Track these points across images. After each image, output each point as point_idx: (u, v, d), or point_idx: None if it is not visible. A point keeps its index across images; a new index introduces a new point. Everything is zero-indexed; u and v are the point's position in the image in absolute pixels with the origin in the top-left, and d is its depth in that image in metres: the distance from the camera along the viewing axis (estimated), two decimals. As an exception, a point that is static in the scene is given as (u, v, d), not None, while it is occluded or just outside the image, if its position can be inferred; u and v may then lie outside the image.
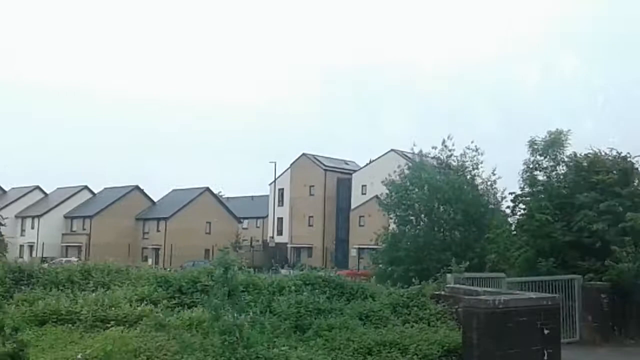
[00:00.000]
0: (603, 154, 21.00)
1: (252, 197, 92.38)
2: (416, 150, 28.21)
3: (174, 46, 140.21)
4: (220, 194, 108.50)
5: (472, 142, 27.61)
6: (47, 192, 77.66)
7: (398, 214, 27.40)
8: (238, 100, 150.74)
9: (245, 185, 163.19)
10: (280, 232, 74.57)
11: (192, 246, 64.00)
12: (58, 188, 76.96)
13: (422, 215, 26.45)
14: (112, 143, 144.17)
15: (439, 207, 26.26)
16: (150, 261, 68.02)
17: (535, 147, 22.15)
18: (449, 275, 14.50)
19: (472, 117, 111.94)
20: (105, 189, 76.11)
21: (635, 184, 19.99)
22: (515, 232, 22.15)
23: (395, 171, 29.00)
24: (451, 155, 28.41)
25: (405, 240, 26.07)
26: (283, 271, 59.47)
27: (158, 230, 69.90)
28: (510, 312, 8.67)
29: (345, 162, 74.77)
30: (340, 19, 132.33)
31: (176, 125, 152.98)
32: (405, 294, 13.14)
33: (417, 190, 26.56)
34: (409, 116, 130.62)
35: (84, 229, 69.59)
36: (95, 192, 76.66)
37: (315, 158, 72.13)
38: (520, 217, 21.70)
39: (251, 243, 75.47)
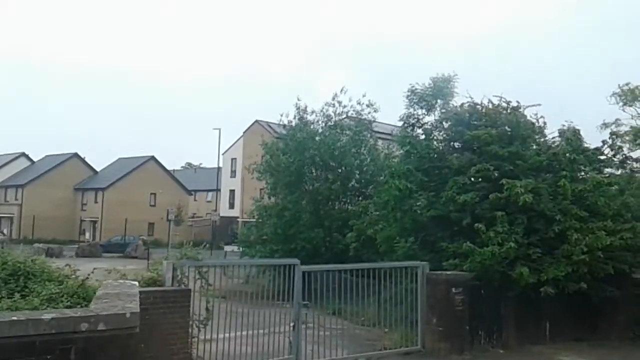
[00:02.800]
0: (489, 104, 16.16)
1: (220, 168, 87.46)
2: (302, 106, 23.12)
3: (125, 15, 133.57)
4: (200, 165, 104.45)
5: (363, 95, 22.65)
6: (-14, 159, 72.63)
7: (269, 181, 22.62)
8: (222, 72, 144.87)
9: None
10: (232, 206, 69.89)
11: (133, 220, 59.27)
12: (-3, 155, 72.10)
13: (293, 183, 21.60)
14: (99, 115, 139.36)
15: (313, 172, 21.46)
16: (88, 235, 63.61)
17: (415, 98, 17.24)
18: (165, 262, 9.74)
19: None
20: (47, 156, 70.95)
21: (522, 142, 15.14)
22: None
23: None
24: (348, 112, 23.45)
25: (273, 215, 21.34)
26: (228, 248, 55.10)
27: (96, 202, 65.03)
28: None
29: (304, 130, 69.42)
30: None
31: (148, 96, 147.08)
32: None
33: (289, 152, 21.66)
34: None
35: (16, 199, 64.77)
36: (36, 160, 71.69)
37: (269, 125, 66.80)
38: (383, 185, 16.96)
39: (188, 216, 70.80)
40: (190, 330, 9.67)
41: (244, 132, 69.13)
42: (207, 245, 12.11)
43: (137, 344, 5.20)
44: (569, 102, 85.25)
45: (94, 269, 8.86)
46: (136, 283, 7.73)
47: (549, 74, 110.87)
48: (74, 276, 9.89)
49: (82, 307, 7.89)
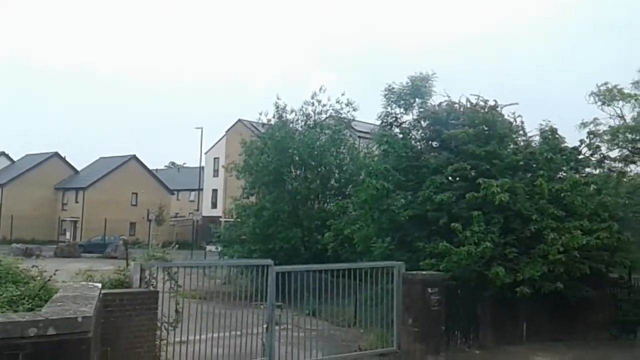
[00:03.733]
0: (467, 103, 16.09)
1: (203, 167, 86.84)
2: (282, 105, 22.94)
3: (109, 15, 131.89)
4: (184, 164, 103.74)
5: (342, 94, 22.51)
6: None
7: (248, 180, 22.44)
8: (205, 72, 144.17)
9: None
10: (214, 205, 69.45)
11: (114, 220, 58.66)
12: (-23, 155, 70.96)
13: (271, 182, 21.43)
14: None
15: (292, 172, 21.31)
16: (68, 235, 62.92)
17: (392, 96, 17.08)
18: (133, 263, 9.53)
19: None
20: (27, 155, 70.01)
21: (499, 141, 15.08)
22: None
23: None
24: (328, 111, 23.31)
25: (252, 214, 21.15)
26: (210, 247, 54.68)
27: (77, 202, 64.30)
28: None
29: (288, 130, 69.08)
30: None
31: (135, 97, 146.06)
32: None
33: (268, 151, 21.50)
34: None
35: (-5, 199, 63.96)
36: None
37: (252, 124, 66.44)
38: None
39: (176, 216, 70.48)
40: (159, 332, 9.46)
41: (226, 131, 68.75)
42: (177, 245, 11.78)
43: (89, 349, 5.00)
44: (554, 101, 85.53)
45: (56, 270, 8.62)
46: (99, 285, 7.52)
47: (535, 73, 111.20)
48: (39, 278, 9.65)
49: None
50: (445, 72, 17.60)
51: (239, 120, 67.37)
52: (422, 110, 16.87)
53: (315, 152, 21.36)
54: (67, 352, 4.79)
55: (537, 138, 16.72)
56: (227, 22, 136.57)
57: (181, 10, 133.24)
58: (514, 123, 16.05)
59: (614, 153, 21.24)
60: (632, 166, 21.81)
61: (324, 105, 23.00)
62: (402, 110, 17.15)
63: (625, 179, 19.10)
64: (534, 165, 15.43)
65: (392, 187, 15.17)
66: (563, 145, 16.50)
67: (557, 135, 16.28)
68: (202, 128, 65.15)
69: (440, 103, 16.64)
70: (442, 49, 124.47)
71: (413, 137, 16.80)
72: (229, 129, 68.45)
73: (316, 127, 22.32)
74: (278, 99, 23.05)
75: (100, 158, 71.40)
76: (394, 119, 17.13)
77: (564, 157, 16.05)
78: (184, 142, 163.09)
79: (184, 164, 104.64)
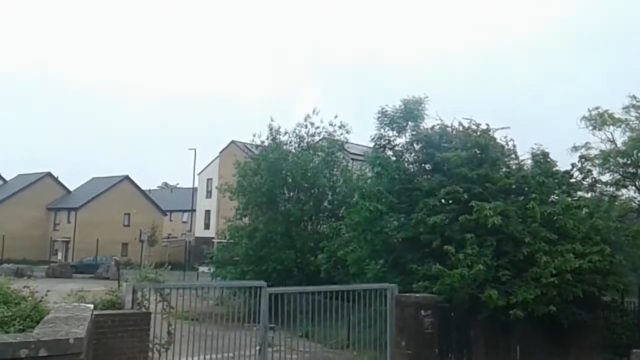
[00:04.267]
0: (459, 126, 16.22)
1: (196, 188, 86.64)
2: (276, 127, 23.09)
3: (101, 33, 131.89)
4: (177, 185, 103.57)
5: (335, 116, 22.67)
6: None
7: (241, 202, 22.48)
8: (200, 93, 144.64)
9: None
10: (207, 226, 69.27)
11: (107, 240, 58.34)
12: (-31, 174, 70.67)
13: (265, 204, 21.47)
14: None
15: (285, 193, 21.36)
16: (60, 255, 62.50)
17: (386, 119, 17.22)
18: (125, 284, 9.49)
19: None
20: (19, 175, 69.85)
21: (491, 164, 15.17)
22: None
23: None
24: (321, 133, 23.45)
25: (245, 235, 21.15)
26: (203, 269, 54.32)
27: (69, 222, 64.03)
28: None
29: (281, 152, 69.26)
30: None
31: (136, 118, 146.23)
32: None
33: (261, 172, 21.58)
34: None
35: (-14, 220, 63.51)
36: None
37: (245, 146, 66.64)
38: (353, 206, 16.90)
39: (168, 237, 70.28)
40: (151, 354, 9.39)
41: (220, 153, 68.87)
42: (169, 266, 11.87)
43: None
44: (545, 124, 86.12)
45: (48, 291, 8.58)
46: (91, 306, 7.48)
47: (528, 96, 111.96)
48: (31, 298, 9.58)
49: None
50: (436, 90, 17.80)
51: (232, 142, 67.53)
52: (414, 133, 17.02)
53: (309, 174, 21.46)
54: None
55: (529, 161, 16.87)
56: (218, 38, 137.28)
57: (172, 30, 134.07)
58: (506, 146, 16.20)
59: (606, 177, 21.40)
60: (624, 190, 21.96)
61: (317, 128, 23.22)
62: (395, 133, 17.30)
63: (616, 203, 19.20)
64: (526, 189, 15.52)
65: (385, 209, 15.22)
66: (555, 168, 16.63)
67: (548, 159, 16.42)
68: (195, 149, 65.05)
69: (433, 126, 16.80)
70: (435, 66, 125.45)
71: (406, 159, 16.91)
72: (222, 150, 68.59)
73: (309, 149, 22.46)
74: (272, 120, 23.24)
75: (93, 178, 71.26)
76: (387, 141, 17.26)
77: (556, 180, 16.16)
78: (177, 162, 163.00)
79: (177, 184, 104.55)
